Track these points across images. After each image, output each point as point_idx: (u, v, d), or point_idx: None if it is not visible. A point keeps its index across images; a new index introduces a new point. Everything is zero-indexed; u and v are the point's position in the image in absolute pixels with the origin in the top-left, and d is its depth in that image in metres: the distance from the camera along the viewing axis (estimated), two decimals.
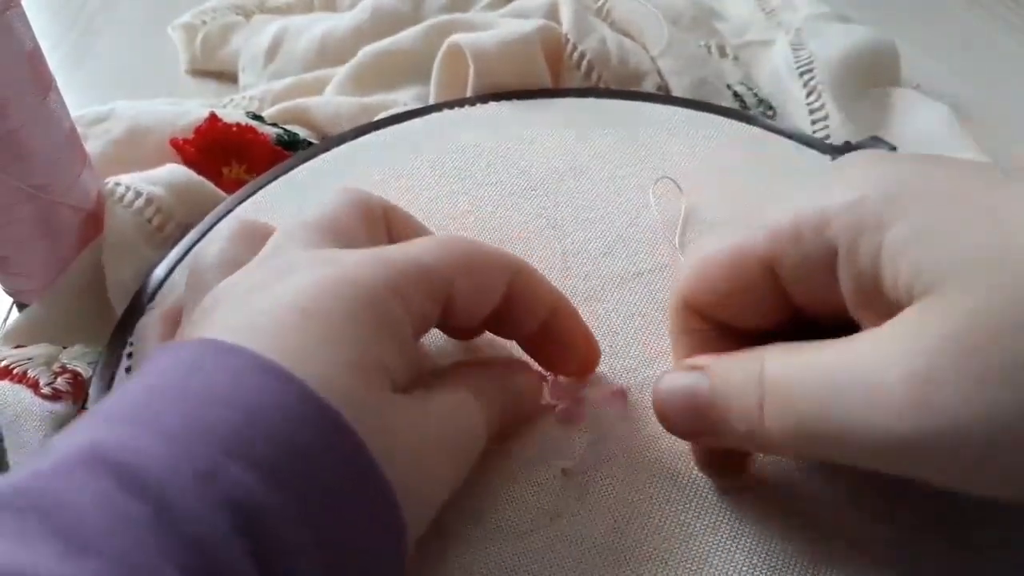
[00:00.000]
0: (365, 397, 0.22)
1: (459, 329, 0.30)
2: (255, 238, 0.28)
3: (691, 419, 0.26)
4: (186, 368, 0.21)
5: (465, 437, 0.26)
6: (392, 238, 0.29)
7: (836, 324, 0.24)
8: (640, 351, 0.33)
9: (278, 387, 0.21)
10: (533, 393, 0.30)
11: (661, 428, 0.30)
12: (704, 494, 0.28)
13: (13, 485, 0.18)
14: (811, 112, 0.49)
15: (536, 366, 0.31)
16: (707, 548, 0.27)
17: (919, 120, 0.50)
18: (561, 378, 0.31)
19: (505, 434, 0.29)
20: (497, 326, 0.29)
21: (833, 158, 0.41)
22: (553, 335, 0.29)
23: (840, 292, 0.24)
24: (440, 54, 0.47)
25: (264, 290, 0.24)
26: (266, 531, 0.19)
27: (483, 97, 0.45)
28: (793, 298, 0.25)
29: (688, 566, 0.27)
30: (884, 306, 0.23)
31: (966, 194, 0.22)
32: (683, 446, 0.29)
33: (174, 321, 0.29)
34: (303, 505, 0.20)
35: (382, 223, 0.29)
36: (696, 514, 0.28)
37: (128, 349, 0.35)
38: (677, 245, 0.36)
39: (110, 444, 0.19)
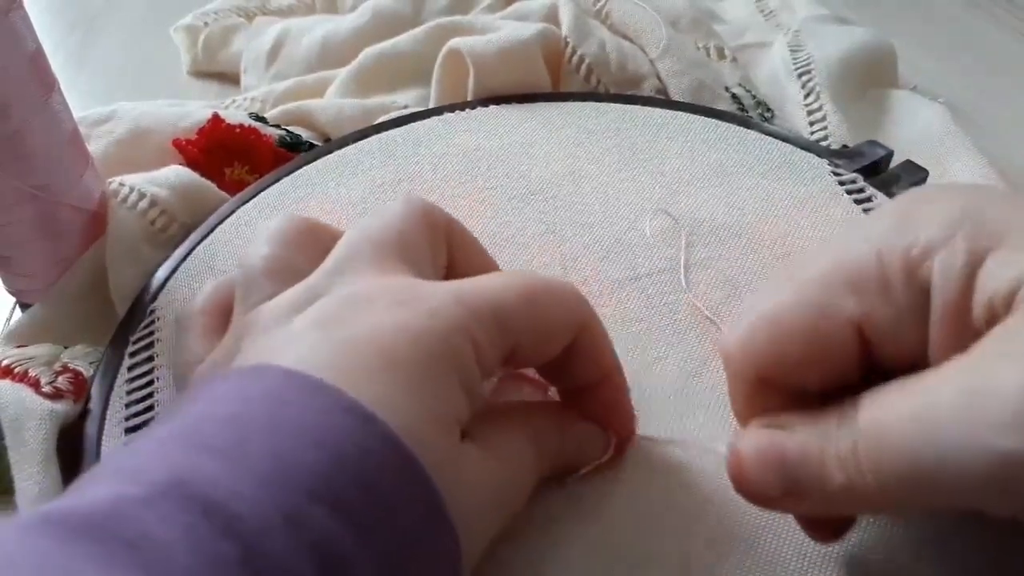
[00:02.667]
0: (442, 448, 0.22)
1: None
2: (310, 242, 0.27)
3: (781, 479, 0.23)
4: (273, 401, 0.21)
5: (520, 488, 0.26)
6: (452, 254, 0.29)
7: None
8: (639, 356, 0.33)
9: (366, 431, 0.21)
10: (593, 445, 0.28)
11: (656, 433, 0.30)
12: (696, 499, 0.28)
13: (97, 508, 0.18)
14: (809, 113, 0.50)
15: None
16: (699, 551, 0.27)
17: (916, 121, 0.50)
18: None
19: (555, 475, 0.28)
20: (544, 369, 0.28)
21: (830, 162, 0.41)
22: (598, 401, 0.28)
23: (926, 337, 0.22)
24: (440, 58, 0.47)
25: (343, 325, 0.23)
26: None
27: (484, 101, 0.45)
28: (878, 353, 0.23)
29: (681, 568, 0.27)
30: (971, 340, 0.21)
31: None
32: (679, 454, 0.30)
33: (220, 314, 0.28)
34: (382, 554, 0.20)
35: (443, 239, 0.28)
36: (690, 517, 0.28)
37: (131, 348, 0.35)
38: (684, 284, 0.35)
39: (199, 478, 0.19)
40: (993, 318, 0.21)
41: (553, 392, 0.30)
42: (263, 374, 0.22)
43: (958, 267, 0.21)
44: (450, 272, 0.28)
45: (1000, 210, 0.22)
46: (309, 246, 0.27)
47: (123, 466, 0.20)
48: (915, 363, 0.22)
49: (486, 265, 0.30)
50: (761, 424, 0.24)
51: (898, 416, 0.21)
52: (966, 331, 0.21)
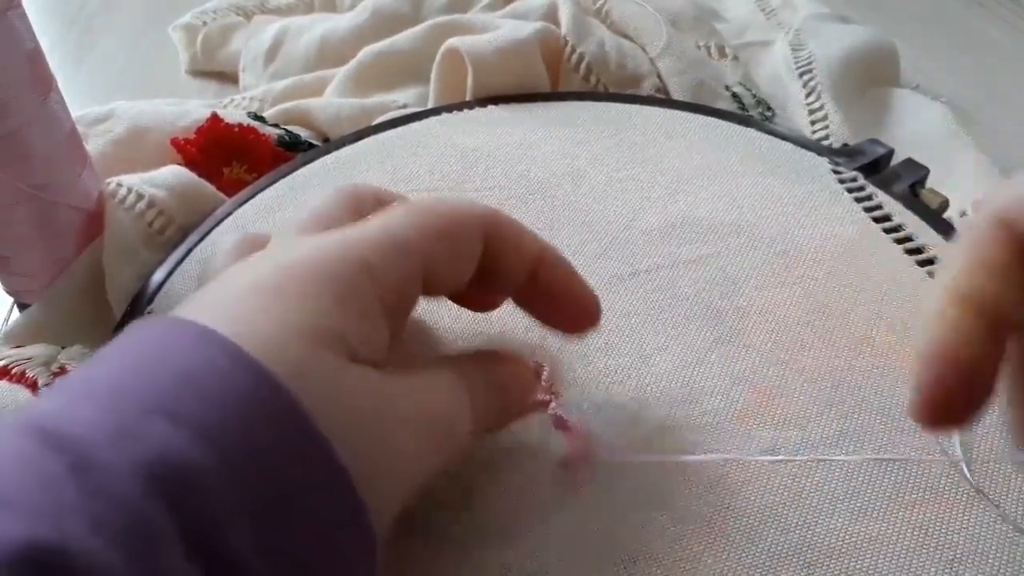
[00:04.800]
0: (311, 362, 0.22)
1: (455, 297, 0.29)
2: (258, 248, 0.28)
3: None
4: (124, 341, 0.22)
5: (442, 417, 0.25)
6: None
7: None
8: (636, 349, 0.33)
9: (209, 349, 0.21)
10: (521, 385, 0.29)
11: (652, 429, 0.30)
12: (694, 493, 0.28)
13: None
14: (810, 112, 0.50)
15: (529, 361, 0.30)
16: (699, 547, 0.27)
17: (918, 120, 0.51)
18: (546, 375, 0.31)
19: (498, 426, 0.28)
20: (486, 284, 0.28)
21: (830, 160, 0.41)
22: (543, 287, 0.28)
23: None
24: (438, 57, 0.47)
25: (230, 277, 0.24)
26: (188, 487, 0.19)
27: (482, 101, 0.45)
28: None
29: (681, 565, 0.27)
30: None
31: None
32: (671, 446, 0.30)
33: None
34: (229, 463, 0.19)
35: (373, 209, 0.28)
36: (687, 513, 0.28)
37: None
38: (969, 477, 0.29)
39: (42, 411, 0.20)
40: None
41: (546, 376, 0.31)
42: (128, 329, 0.23)
43: None
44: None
45: None
46: (352, 208, 0.28)
47: None
48: None
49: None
50: None
51: None
52: None
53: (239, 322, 0.22)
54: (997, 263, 0.20)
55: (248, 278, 0.23)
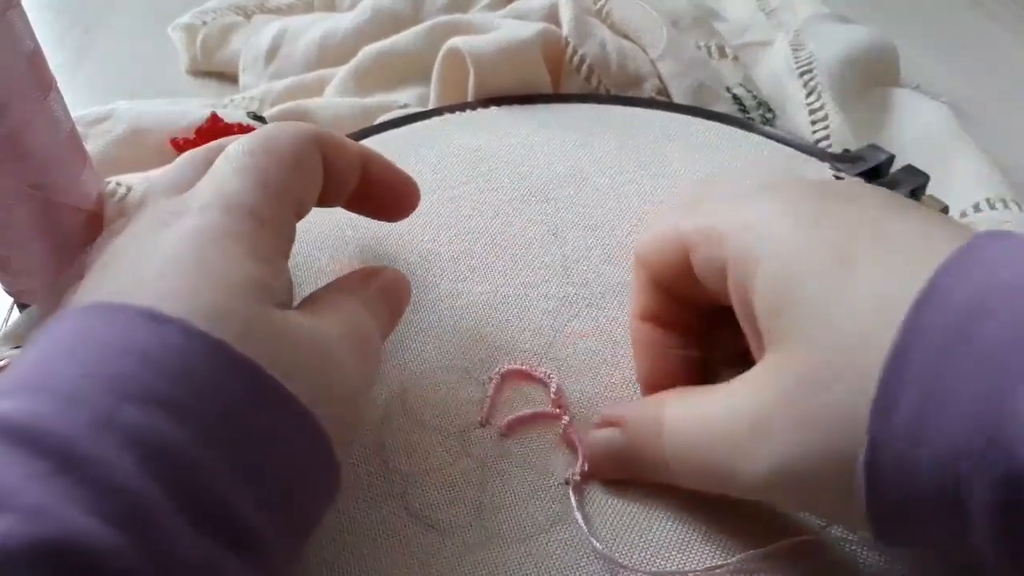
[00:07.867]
0: (247, 313, 0.23)
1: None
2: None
3: (615, 464, 0.29)
4: (75, 332, 0.22)
5: (362, 334, 0.27)
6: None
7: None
8: None
9: (161, 329, 0.22)
10: (402, 288, 0.32)
11: None
12: (700, 507, 0.29)
13: None
14: (811, 113, 0.50)
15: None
16: (702, 560, 0.27)
17: (919, 120, 0.51)
18: (554, 388, 0.32)
19: (392, 328, 0.31)
20: (326, 191, 0.30)
21: (831, 166, 0.41)
22: (374, 181, 0.31)
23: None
24: (440, 57, 0.47)
25: (141, 248, 0.25)
26: (175, 461, 0.20)
27: (484, 101, 0.45)
28: (705, 287, 0.28)
29: None
30: (756, 327, 0.26)
31: (840, 246, 0.25)
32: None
33: None
34: (206, 429, 0.21)
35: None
36: (691, 526, 0.28)
37: None
38: None
39: (9, 413, 0.20)
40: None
41: (554, 390, 0.31)
42: (69, 315, 0.23)
43: (738, 264, 0.26)
44: None
45: (793, 226, 0.26)
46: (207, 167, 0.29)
47: None
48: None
49: None
50: (604, 422, 0.30)
51: (689, 437, 0.27)
52: (747, 311, 0.26)
53: (177, 297, 0.22)
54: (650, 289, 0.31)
55: (161, 253, 0.24)
